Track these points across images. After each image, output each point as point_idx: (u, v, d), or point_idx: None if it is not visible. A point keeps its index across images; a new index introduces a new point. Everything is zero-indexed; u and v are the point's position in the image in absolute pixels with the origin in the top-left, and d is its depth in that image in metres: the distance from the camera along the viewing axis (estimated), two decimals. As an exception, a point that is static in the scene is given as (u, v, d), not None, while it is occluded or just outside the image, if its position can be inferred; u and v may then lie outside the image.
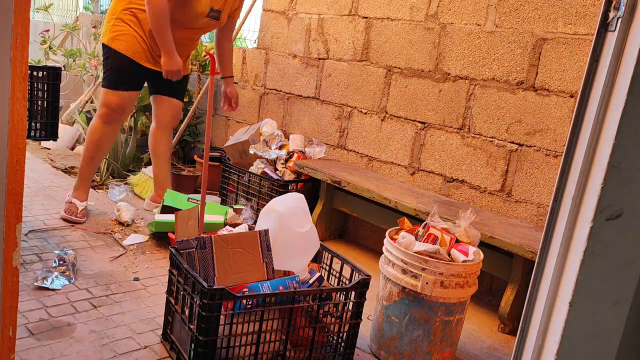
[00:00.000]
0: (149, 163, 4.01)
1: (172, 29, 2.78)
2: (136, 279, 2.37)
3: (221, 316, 1.65)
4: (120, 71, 2.88)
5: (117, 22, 2.85)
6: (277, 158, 3.31)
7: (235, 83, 4.10)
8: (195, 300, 1.69)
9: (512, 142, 2.65)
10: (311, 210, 2.95)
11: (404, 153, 3.10)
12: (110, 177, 3.81)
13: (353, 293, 1.85)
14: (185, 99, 4.03)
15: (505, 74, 2.66)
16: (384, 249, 2.04)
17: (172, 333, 1.90)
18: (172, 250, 1.85)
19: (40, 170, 3.76)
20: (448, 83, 2.88)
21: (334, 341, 1.93)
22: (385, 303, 2.01)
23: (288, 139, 3.44)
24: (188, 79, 3.24)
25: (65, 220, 2.88)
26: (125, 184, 3.69)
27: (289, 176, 3.25)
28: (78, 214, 2.92)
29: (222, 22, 3.00)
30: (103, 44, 2.92)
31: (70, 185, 3.50)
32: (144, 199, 3.43)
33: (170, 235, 2.77)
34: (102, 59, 3.01)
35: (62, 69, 2.56)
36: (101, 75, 4.75)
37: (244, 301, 1.67)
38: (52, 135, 2.51)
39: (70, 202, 2.96)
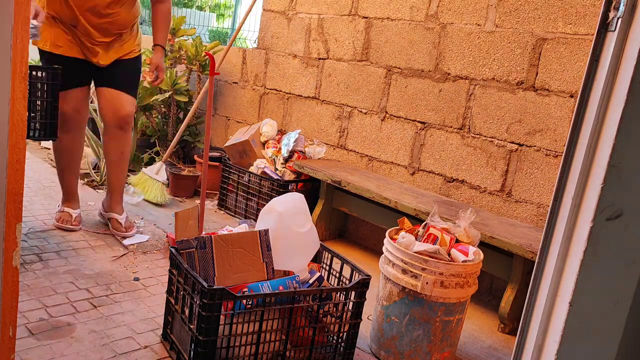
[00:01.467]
0: (149, 163, 4.01)
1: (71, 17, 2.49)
2: (136, 279, 2.37)
3: (221, 316, 1.65)
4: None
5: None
6: (276, 158, 3.32)
7: (235, 83, 4.10)
8: (195, 300, 1.69)
9: (512, 142, 2.65)
10: (311, 210, 2.95)
11: (404, 153, 3.10)
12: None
13: (353, 293, 1.85)
14: (185, 99, 4.03)
15: (505, 74, 2.66)
16: (384, 249, 2.04)
17: (172, 333, 1.90)
18: (172, 250, 1.85)
19: (40, 170, 3.77)
20: (448, 83, 2.88)
21: (334, 341, 1.93)
22: (385, 303, 2.01)
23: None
24: (138, 65, 2.78)
25: (59, 228, 2.77)
26: (126, 183, 3.69)
27: (288, 176, 3.25)
28: (72, 221, 2.78)
29: None
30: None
31: (70, 185, 3.50)
32: (151, 202, 3.43)
33: (170, 235, 2.77)
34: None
35: (62, 69, 2.54)
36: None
37: (244, 301, 1.67)
38: (52, 135, 2.50)
39: (63, 211, 2.81)
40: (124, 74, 2.72)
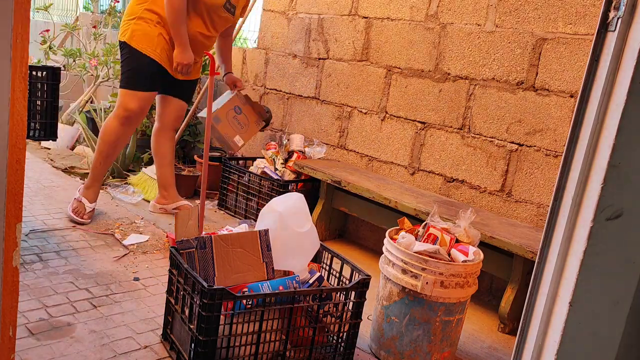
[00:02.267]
0: (149, 163, 4.01)
1: (189, 22, 2.80)
2: (136, 279, 2.37)
3: (221, 316, 1.65)
4: (139, 71, 2.85)
5: (138, 22, 2.82)
6: (276, 158, 3.32)
7: (235, 83, 4.10)
8: (195, 300, 1.69)
9: (512, 142, 2.65)
10: (311, 210, 2.95)
11: (404, 153, 3.10)
12: (111, 177, 3.81)
13: (353, 293, 1.85)
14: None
15: (505, 74, 2.66)
16: (384, 249, 2.04)
17: (172, 333, 1.90)
18: (172, 250, 1.85)
19: (40, 170, 3.76)
20: (448, 83, 2.88)
21: (334, 341, 1.93)
22: (385, 303, 2.01)
23: (288, 140, 3.44)
24: (197, 83, 3.24)
25: (70, 220, 2.87)
26: (126, 183, 3.69)
27: (288, 176, 3.25)
28: (85, 214, 2.90)
29: (237, 19, 3.01)
30: (122, 42, 2.87)
31: (70, 185, 3.50)
32: (146, 200, 3.44)
33: (170, 235, 2.77)
34: (120, 57, 2.97)
35: (62, 68, 2.55)
36: (101, 75, 4.77)
37: (244, 301, 1.67)
38: (52, 135, 2.50)
39: (80, 201, 2.93)
40: (189, 90, 3.17)
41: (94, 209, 2.97)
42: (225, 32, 3.16)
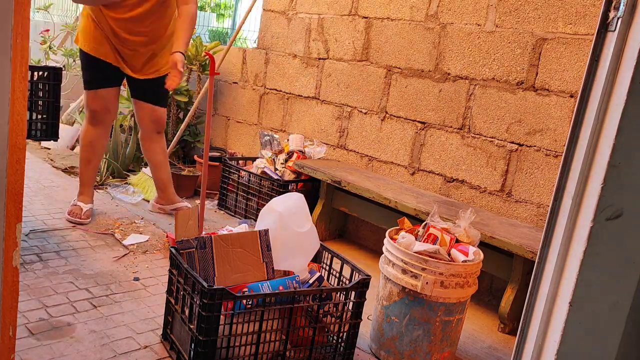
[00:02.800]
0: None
1: (107, 19, 2.68)
2: (136, 279, 2.37)
3: (221, 316, 1.65)
4: (89, 70, 2.78)
5: (82, 20, 2.79)
6: (276, 158, 3.32)
7: (235, 83, 4.10)
8: (195, 300, 1.69)
9: (512, 142, 2.65)
10: (311, 210, 2.95)
11: (404, 153, 3.10)
12: (111, 177, 3.81)
13: (353, 293, 1.85)
14: (185, 99, 4.03)
15: (505, 74, 2.66)
16: (384, 249, 2.04)
17: (172, 333, 1.90)
18: (172, 250, 1.85)
19: (40, 170, 3.76)
20: (448, 83, 2.88)
21: (334, 341, 1.93)
22: (385, 303, 2.01)
23: (288, 140, 3.44)
24: (163, 83, 2.72)
25: (69, 221, 2.87)
26: (126, 183, 3.69)
27: (288, 176, 3.25)
28: (82, 215, 2.89)
29: None
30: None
31: (70, 185, 3.50)
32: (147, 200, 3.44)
33: (170, 235, 2.77)
34: None
35: (62, 68, 2.56)
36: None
37: (244, 301, 1.67)
38: (53, 135, 2.51)
39: (75, 205, 2.94)
40: (154, 91, 2.92)
41: (91, 208, 2.97)
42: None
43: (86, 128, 2.87)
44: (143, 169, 3.66)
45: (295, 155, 3.30)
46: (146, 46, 2.79)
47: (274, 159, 3.34)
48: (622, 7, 0.88)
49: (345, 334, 1.90)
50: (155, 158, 3.09)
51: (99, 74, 2.78)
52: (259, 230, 1.86)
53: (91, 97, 2.81)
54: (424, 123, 3.00)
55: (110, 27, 2.71)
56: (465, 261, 1.91)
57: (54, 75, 2.43)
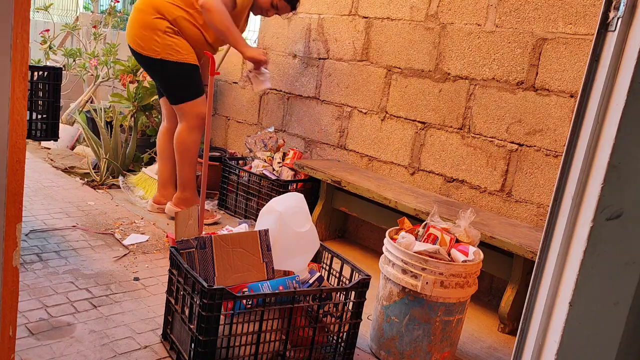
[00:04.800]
0: (149, 163, 4.01)
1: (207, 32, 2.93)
2: (136, 279, 2.37)
3: (221, 316, 1.65)
4: (193, 78, 2.96)
5: (167, 36, 2.88)
6: (273, 157, 3.33)
7: (235, 83, 4.10)
8: (195, 300, 1.69)
9: (512, 142, 2.65)
10: (311, 210, 2.95)
11: (404, 153, 3.09)
12: (111, 177, 3.81)
13: (353, 293, 1.85)
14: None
15: (505, 74, 2.66)
16: (384, 249, 2.04)
17: (172, 333, 1.90)
18: (172, 250, 1.85)
19: (40, 170, 3.77)
20: (448, 83, 2.88)
21: (334, 341, 1.93)
22: (385, 303, 2.01)
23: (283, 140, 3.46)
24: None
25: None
26: (126, 183, 3.69)
27: (286, 174, 3.24)
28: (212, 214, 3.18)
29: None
30: (154, 59, 2.90)
31: (70, 185, 3.51)
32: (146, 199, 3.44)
33: (170, 235, 2.77)
34: (153, 74, 3.05)
35: (62, 68, 2.56)
36: (101, 75, 4.76)
37: (244, 301, 1.67)
38: (53, 135, 2.51)
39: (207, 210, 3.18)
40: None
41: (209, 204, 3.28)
42: None
43: (196, 137, 3.06)
44: (143, 169, 3.66)
45: (292, 152, 3.30)
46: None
47: (272, 157, 3.35)
48: (622, 7, 0.88)
49: (345, 334, 1.90)
50: (172, 154, 3.22)
51: (201, 81, 3.03)
52: (259, 230, 1.86)
53: (202, 102, 2.99)
54: (424, 123, 3.00)
55: (201, 35, 2.98)
56: (465, 261, 1.91)
57: (54, 75, 2.43)
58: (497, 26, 2.68)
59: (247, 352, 1.73)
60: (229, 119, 4.20)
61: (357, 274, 1.90)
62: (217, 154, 3.90)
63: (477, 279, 2.00)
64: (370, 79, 3.24)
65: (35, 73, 2.44)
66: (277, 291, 1.73)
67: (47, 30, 5.00)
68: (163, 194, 3.23)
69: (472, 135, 2.79)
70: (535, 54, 2.55)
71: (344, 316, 1.88)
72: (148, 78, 3.16)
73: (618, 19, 0.89)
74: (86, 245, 2.63)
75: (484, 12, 2.73)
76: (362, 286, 1.85)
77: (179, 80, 2.96)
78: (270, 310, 1.72)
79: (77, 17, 6.01)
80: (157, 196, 3.26)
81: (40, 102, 2.44)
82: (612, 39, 0.90)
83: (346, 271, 2.01)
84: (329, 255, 2.09)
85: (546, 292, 0.99)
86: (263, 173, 3.28)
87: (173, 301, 1.88)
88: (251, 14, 3.15)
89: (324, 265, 2.12)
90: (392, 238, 2.04)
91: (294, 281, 1.78)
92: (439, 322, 1.93)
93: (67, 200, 3.21)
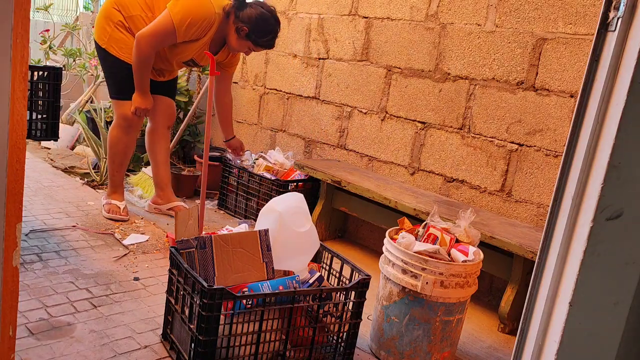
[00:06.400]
0: (148, 163, 4.00)
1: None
2: (136, 279, 2.37)
3: (221, 316, 1.65)
4: (127, 79, 2.86)
5: (116, 29, 2.85)
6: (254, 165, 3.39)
7: (235, 83, 4.10)
8: (195, 300, 1.69)
9: (512, 142, 2.65)
10: (311, 210, 2.95)
11: (404, 153, 3.09)
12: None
13: (353, 293, 1.85)
14: (185, 99, 4.03)
15: (506, 74, 2.66)
16: (384, 249, 2.04)
17: (172, 333, 1.90)
18: (172, 250, 1.85)
19: (40, 170, 3.76)
20: (448, 83, 2.88)
21: (334, 341, 1.93)
22: (385, 303, 2.01)
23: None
24: (176, 79, 3.29)
25: (111, 219, 3.00)
26: (126, 183, 3.68)
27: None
28: (121, 212, 3.02)
29: (228, 68, 3.12)
30: (100, 46, 2.90)
31: (70, 185, 3.51)
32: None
33: (170, 235, 2.77)
34: (99, 60, 3.01)
35: (62, 68, 2.56)
36: (101, 75, 4.76)
37: (244, 301, 1.67)
38: (53, 135, 2.51)
39: (110, 203, 3.05)
40: (174, 87, 3.24)
41: (126, 205, 3.10)
42: (219, 90, 3.17)
43: (120, 136, 3.01)
44: (143, 168, 3.66)
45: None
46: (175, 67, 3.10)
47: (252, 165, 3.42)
48: (622, 7, 0.88)
49: (345, 334, 1.90)
50: (160, 154, 3.18)
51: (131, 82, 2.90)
52: (259, 230, 1.86)
53: (127, 106, 2.93)
54: (424, 123, 3.00)
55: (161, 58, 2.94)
56: (465, 261, 1.91)
57: (54, 75, 2.43)
58: (497, 26, 2.68)
59: (247, 352, 1.73)
60: (229, 119, 4.19)
61: (357, 274, 1.90)
62: (217, 154, 3.90)
63: (477, 279, 2.00)
64: (370, 79, 3.24)
65: (35, 73, 2.44)
66: (277, 291, 1.73)
67: (47, 30, 5.00)
68: (160, 195, 3.23)
69: (472, 135, 2.79)
70: (535, 54, 2.55)
71: (344, 316, 1.88)
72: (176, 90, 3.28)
73: (618, 19, 0.89)
74: (86, 245, 2.63)
75: (484, 12, 2.73)
76: (362, 286, 1.85)
77: (114, 76, 2.93)
78: (270, 310, 1.72)
79: (77, 17, 6.02)
80: (155, 197, 3.26)
81: (40, 102, 2.44)
82: (612, 39, 0.90)
83: (346, 271, 2.01)
84: (329, 255, 2.09)
85: (546, 292, 0.99)
86: (262, 174, 3.29)
87: (173, 301, 1.88)
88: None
89: (324, 265, 2.12)
90: (392, 238, 2.04)
91: (294, 281, 1.78)
92: (439, 322, 1.93)
93: (67, 200, 3.21)
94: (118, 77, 2.92)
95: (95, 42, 2.95)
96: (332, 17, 3.43)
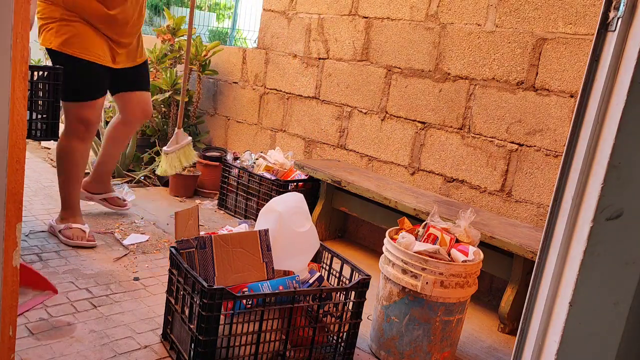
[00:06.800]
0: (149, 163, 4.01)
1: (96, 23, 2.50)
2: (136, 279, 2.37)
3: (221, 316, 1.65)
4: (87, 78, 2.54)
5: (62, 24, 2.46)
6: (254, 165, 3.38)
7: (235, 83, 4.10)
8: (195, 300, 1.69)
9: (512, 142, 2.65)
10: (311, 210, 2.95)
11: (404, 153, 3.09)
12: (111, 177, 3.80)
13: (353, 293, 1.85)
14: (185, 99, 4.03)
15: (506, 74, 2.66)
16: (384, 249, 2.04)
17: (172, 333, 1.90)
18: (172, 250, 1.85)
19: (40, 170, 3.77)
20: (448, 83, 2.88)
21: (334, 341, 1.93)
22: (385, 303, 2.01)
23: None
24: (147, 64, 2.87)
25: (77, 247, 2.57)
26: (126, 182, 3.68)
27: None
28: (87, 237, 2.61)
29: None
30: (51, 51, 2.51)
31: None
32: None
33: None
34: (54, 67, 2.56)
35: (62, 68, 2.54)
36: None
37: (244, 301, 1.67)
38: (53, 135, 2.50)
39: (71, 227, 2.61)
40: (146, 76, 2.87)
41: (89, 229, 2.69)
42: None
43: (75, 145, 2.59)
44: (164, 148, 3.45)
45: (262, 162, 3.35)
46: (133, 38, 2.69)
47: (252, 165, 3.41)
48: (622, 7, 0.88)
49: (345, 334, 1.90)
50: (120, 149, 3.01)
51: (101, 81, 2.59)
52: (259, 230, 1.86)
53: (89, 109, 2.56)
54: (424, 123, 3.00)
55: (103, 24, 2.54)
56: (465, 261, 1.91)
57: (54, 75, 2.43)
58: (497, 26, 2.68)
59: (247, 352, 1.73)
60: (228, 119, 4.20)
61: (357, 274, 1.90)
62: (217, 154, 3.90)
63: (477, 279, 2.00)
64: (370, 79, 3.24)
65: (35, 73, 2.44)
66: (277, 291, 1.73)
67: (47, 30, 4.99)
68: (99, 186, 3.03)
69: (472, 135, 2.79)
70: (535, 54, 2.55)
71: (344, 316, 1.88)
72: (149, 78, 3.02)
73: (618, 19, 0.89)
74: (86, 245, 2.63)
75: (484, 12, 2.73)
76: (362, 286, 1.85)
77: (67, 76, 2.47)
78: (270, 310, 1.72)
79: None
80: (90, 185, 3.03)
81: (40, 102, 2.43)
82: (612, 39, 0.90)
83: (346, 271, 2.01)
84: (329, 255, 2.09)
85: (546, 292, 0.99)
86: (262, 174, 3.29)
87: (173, 301, 1.88)
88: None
89: (324, 265, 2.12)
90: (392, 238, 2.04)
91: (294, 281, 1.78)
92: (439, 322, 1.93)
93: (67, 200, 3.20)
94: (76, 76, 2.52)
95: (46, 50, 2.54)
96: (332, 17, 3.43)
